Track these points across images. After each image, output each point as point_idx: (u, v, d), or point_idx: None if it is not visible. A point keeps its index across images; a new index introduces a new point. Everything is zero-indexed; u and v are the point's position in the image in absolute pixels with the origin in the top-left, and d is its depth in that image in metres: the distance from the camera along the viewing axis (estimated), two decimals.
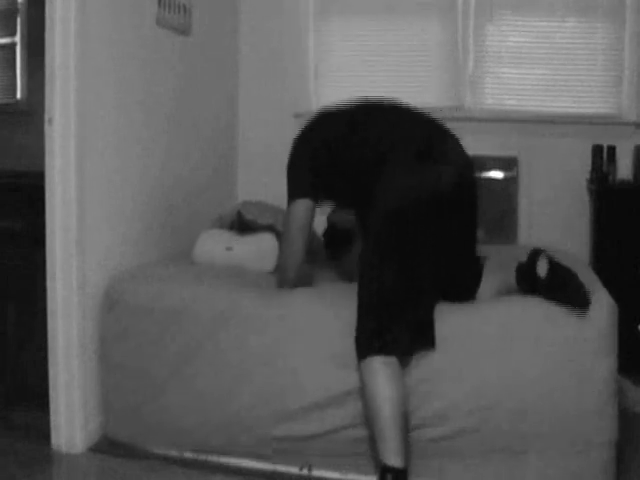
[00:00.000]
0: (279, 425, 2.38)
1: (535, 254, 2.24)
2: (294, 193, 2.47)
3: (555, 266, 2.23)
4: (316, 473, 2.40)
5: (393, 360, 2.12)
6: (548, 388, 2.20)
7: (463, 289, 2.40)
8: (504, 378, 2.22)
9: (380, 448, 2.07)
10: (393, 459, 2.03)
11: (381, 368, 2.10)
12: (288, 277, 2.51)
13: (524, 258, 2.29)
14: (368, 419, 2.16)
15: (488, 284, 2.41)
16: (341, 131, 2.45)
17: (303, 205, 2.45)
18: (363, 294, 2.19)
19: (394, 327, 2.13)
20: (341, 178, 2.45)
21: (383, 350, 2.11)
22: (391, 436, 2.05)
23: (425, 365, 2.24)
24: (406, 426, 2.10)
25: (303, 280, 2.58)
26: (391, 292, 2.14)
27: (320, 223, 2.77)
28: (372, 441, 2.18)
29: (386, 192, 2.22)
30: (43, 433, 2.59)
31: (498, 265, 2.44)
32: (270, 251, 2.91)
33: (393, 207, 2.19)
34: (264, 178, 3.75)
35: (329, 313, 2.38)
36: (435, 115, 2.45)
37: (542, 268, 2.22)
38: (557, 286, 2.20)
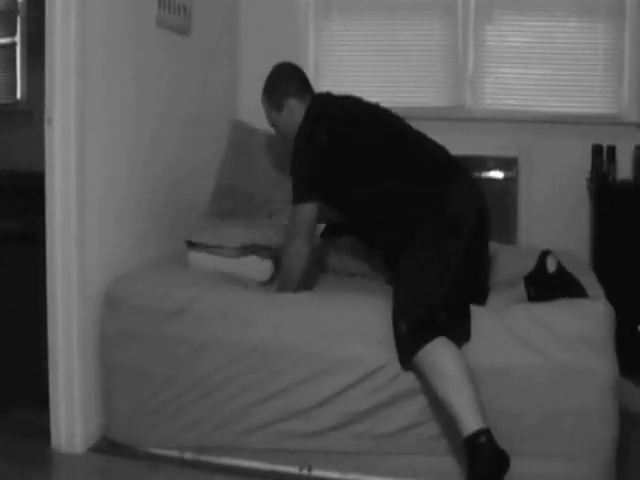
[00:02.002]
0: (280, 423, 2.38)
1: (545, 254, 2.40)
2: (300, 196, 2.46)
3: (561, 265, 2.38)
4: (316, 473, 2.40)
5: (446, 340, 2.15)
6: (548, 388, 2.20)
7: (478, 294, 2.44)
8: (503, 378, 2.22)
9: (463, 419, 2.04)
10: (480, 421, 2.02)
11: (439, 345, 2.14)
12: (290, 286, 2.51)
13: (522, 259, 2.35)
14: (444, 400, 2.11)
15: (499, 296, 2.46)
16: (351, 127, 2.50)
17: (309, 209, 2.45)
18: (406, 291, 2.25)
19: (441, 314, 2.19)
20: (351, 173, 2.46)
21: (437, 333, 2.15)
22: (472, 399, 2.06)
23: None
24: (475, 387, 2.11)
25: (307, 283, 2.56)
26: (436, 286, 2.22)
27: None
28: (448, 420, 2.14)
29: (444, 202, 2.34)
30: (43, 433, 2.59)
31: (508, 281, 2.56)
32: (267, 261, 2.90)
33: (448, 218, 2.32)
34: None
35: (328, 313, 2.39)
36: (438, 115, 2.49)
37: (551, 264, 2.37)
38: (565, 280, 2.37)
